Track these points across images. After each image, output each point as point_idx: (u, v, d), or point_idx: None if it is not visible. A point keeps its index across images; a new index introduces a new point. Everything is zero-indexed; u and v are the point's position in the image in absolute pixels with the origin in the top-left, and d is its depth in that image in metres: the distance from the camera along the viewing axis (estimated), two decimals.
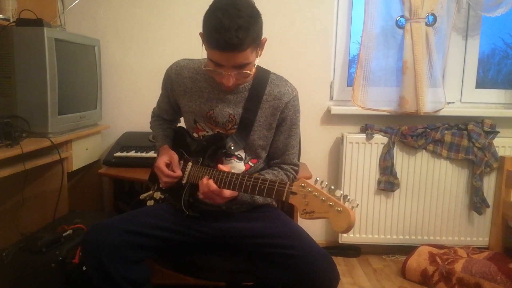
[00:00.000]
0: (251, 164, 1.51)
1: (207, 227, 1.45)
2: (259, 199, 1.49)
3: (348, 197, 1.07)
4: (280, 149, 1.52)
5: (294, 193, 1.14)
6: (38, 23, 1.84)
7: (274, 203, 1.61)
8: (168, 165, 1.49)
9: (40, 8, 2.11)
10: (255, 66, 1.43)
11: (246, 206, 1.51)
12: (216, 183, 1.32)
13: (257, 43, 1.31)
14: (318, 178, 1.13)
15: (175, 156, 1.50)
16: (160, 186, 1.55)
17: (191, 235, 1.44)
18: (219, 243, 1.47)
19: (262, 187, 1.22)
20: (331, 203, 1.06)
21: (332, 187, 1.09)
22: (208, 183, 1.31)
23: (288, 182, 1.18)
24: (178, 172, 1.46)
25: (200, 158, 1.46)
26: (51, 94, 1.88)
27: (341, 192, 1.08)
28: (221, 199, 1.33)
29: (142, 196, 1.61)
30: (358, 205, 1.08)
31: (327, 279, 1.24)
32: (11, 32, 1.82)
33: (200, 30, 1.38)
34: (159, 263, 1.51)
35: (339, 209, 1.05)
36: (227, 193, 1.32)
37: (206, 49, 1.32)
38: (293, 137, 1.52)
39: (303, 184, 1.12)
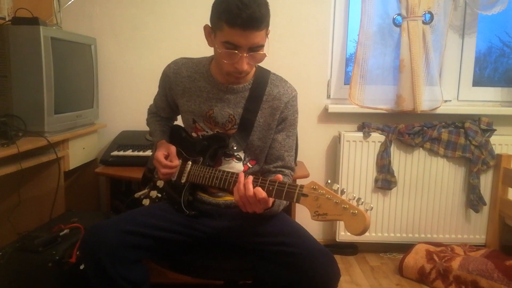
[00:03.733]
0: (249, 165, 1.50)
1: (206, 227, 1.45)
2: (281, 206, 1.42)
3: (362, 200, 1.07)
4: (277, 150, 1.50)
5: (305, 195, 1.14)
6: (34, 21, 1.83)
7: None
8: (166, 157, 1.49)
9: (36, 7, 2.10)
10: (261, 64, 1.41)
11: None
12: (220, 183, 1.32)
13: (268, 28, 1.33)
14: (329, 181, 1.13)
15: (173, 148, 1.50)
16: (159, 178, 1.54)
17: (190, 235, 1.44)
18: (218, 242, 1.47)
19: (271, 188, 1.21)
20: (345, 206, 1.06)
21: (344, 190, 1.09)
22: (256, 191, 1.21)
23: (299, 184, 1.17)
24: (176, 162, 1.46)
25: (200, 158, 1.46)
26: (47, 93, 1.87)
27: (354, 195, 1.08)
28: (260, 210, 1.26)
29: (137, 195, 1.61)
30: (372, 207, 1.08)
31: (328, 276, 1.24)
32: (7, 31, 1.81)
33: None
34: (157, 263, 1.51)
35: (354, 212, 1.04)
36: (271, 201, 1.25)
37: (219, 34, 1.30)
38: (291, 138, 1.51)
39: (314, 187, 1.12)
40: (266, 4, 1.28)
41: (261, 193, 1.21)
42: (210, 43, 1.38)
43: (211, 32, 1.36)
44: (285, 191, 1.18)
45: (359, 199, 1.07)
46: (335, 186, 1.10)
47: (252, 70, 1.45)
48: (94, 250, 1.28)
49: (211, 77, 1.46)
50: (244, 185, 1.23)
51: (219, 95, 1.46)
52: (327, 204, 1.09)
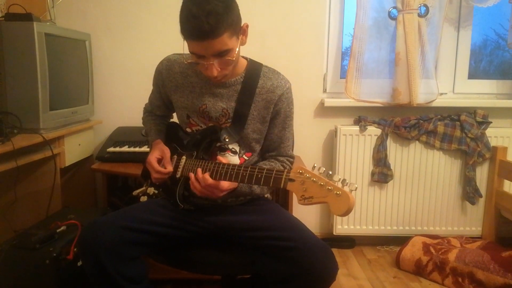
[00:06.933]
0: (245, 157, 1.50)
1: (203, 221, 1.45)
2: (257, 189, 1.47)
3: (347, 181, 1.07)
4: (274, 142, 1.51)
5: (292, 180, 1.14)
6: (27, 17, 1.82)
7: (269, 196, 1.61)
8: (160, 161, 1.48)
9: (29, 3, 2.08)
10: (238, 53, 1.36)
11: (242, 199, 1.50)
12: (211, 175, 1.31)
13: (235, 28, 1.27)
14: (315, 165, 1.13)
15: (167, 152, 1.48)
16: (152, 181, 1.54)
17: (187, 230, 1.44)
18: (216, 237, 1.47)
19: (259, 176, 1.22)
20: (329, 188, 1.07)
21: (330, 173, 1.10)
22: (203, 177, 1.29)
23: (286, 169, 1.17)
24: (169, 168, 1.44)
25: (194, 152, 1.45)
26: (42, 89, 1.86)
27: (340, 177, 1.08)
28: (219, 191, 1.32)
29: (135, 193, 1.61)
30: (356, 188, 1.09)
31: (326, 269, 1.25)
32: (0, 27, 1.80)
33: None
34: (155, 258, 1.51)
35: (338, 192, 1.05)
36: (226, 185, 1.31)
37: (186, 43, 1.30)
38: (287, 129, 1.52)
39: (301, 171, 1.13)
40: (222, 8, 1.20)
41: (207, 179, 1.29)
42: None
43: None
44: (272, 177, 1.19)
45: (344, 180, 1.08)
46: (321, 170, 1.11)
47: (240, 65, 1.43)
48: (93, 247, 1.28)
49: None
50: (196, 178, 1.32)
51: (211, 90, 1.45)
52: (313, 187, 1.10)
